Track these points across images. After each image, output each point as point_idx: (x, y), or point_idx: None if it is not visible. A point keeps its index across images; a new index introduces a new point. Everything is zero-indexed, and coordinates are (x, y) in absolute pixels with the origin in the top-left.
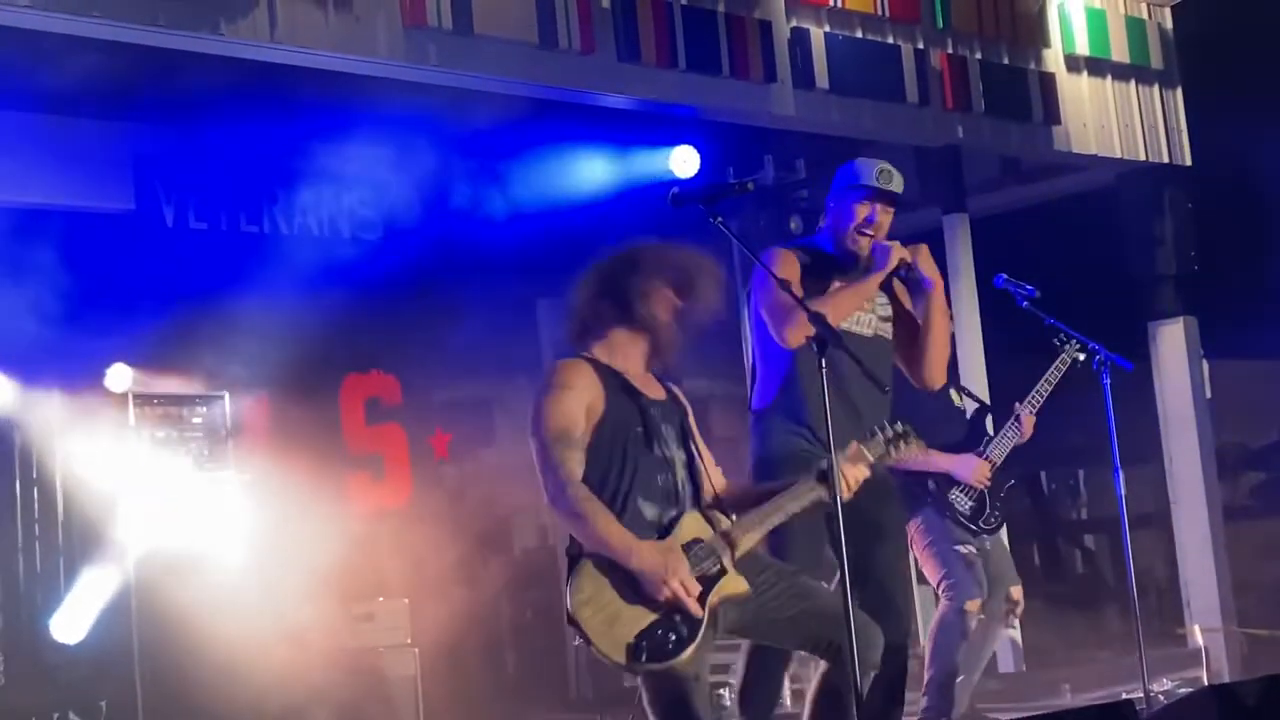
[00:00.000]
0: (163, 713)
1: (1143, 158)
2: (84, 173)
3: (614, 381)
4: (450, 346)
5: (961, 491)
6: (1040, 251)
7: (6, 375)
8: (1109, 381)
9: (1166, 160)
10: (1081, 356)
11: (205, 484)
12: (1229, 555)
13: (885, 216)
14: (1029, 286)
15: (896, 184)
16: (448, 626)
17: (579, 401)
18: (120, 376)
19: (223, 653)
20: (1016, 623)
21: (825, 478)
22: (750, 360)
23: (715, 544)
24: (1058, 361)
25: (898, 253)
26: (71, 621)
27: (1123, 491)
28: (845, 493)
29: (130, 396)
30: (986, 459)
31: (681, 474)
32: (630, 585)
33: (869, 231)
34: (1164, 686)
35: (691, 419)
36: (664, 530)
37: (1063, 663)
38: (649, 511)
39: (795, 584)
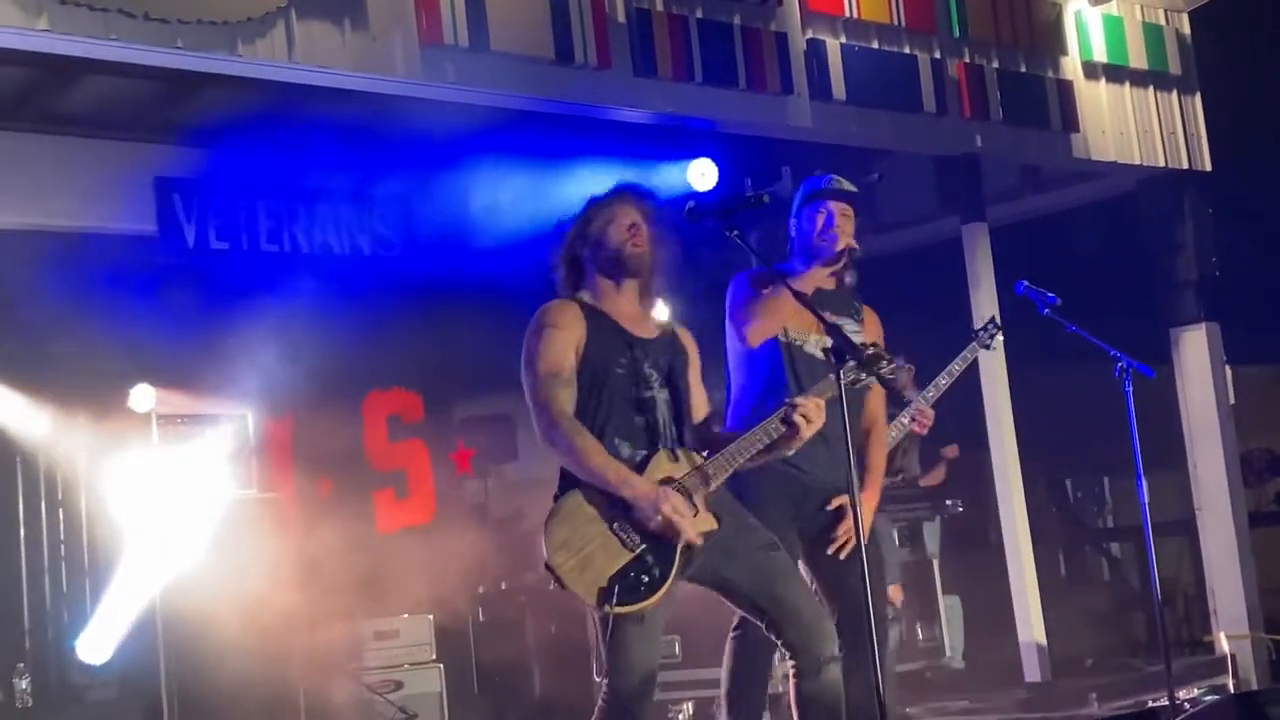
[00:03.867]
0: None
1: (1162, 164)
2: (105, 195)
3: (599, 321)
4: (471, 362)
5: None
6: (1061, 259)
7: (31, 397)
8: (1132, 389)
9: (1186, 166)
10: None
11: (229, 503)
12: (1255, 561)
13: (845, 219)
14: (1050, 294)
15: (848, 186)
16: (472, 643)
17: (567, 340)
18: (144, 397)
19: (249, 672)
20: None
21: (789, 415)
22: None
23: (687, 482)
24: (965, 351)
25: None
26: (98, 642)
27: (1146, 499)
28: (805, 428)
29: (154, 416)
30: None
31: (664, 414)
32: (606, 523)
33: (833, 232)
34: (1191, 694)
35: (692, 360)
36: (637, 469)
37: (1090, 672)
38: (624, 450)
39: (765, 555)
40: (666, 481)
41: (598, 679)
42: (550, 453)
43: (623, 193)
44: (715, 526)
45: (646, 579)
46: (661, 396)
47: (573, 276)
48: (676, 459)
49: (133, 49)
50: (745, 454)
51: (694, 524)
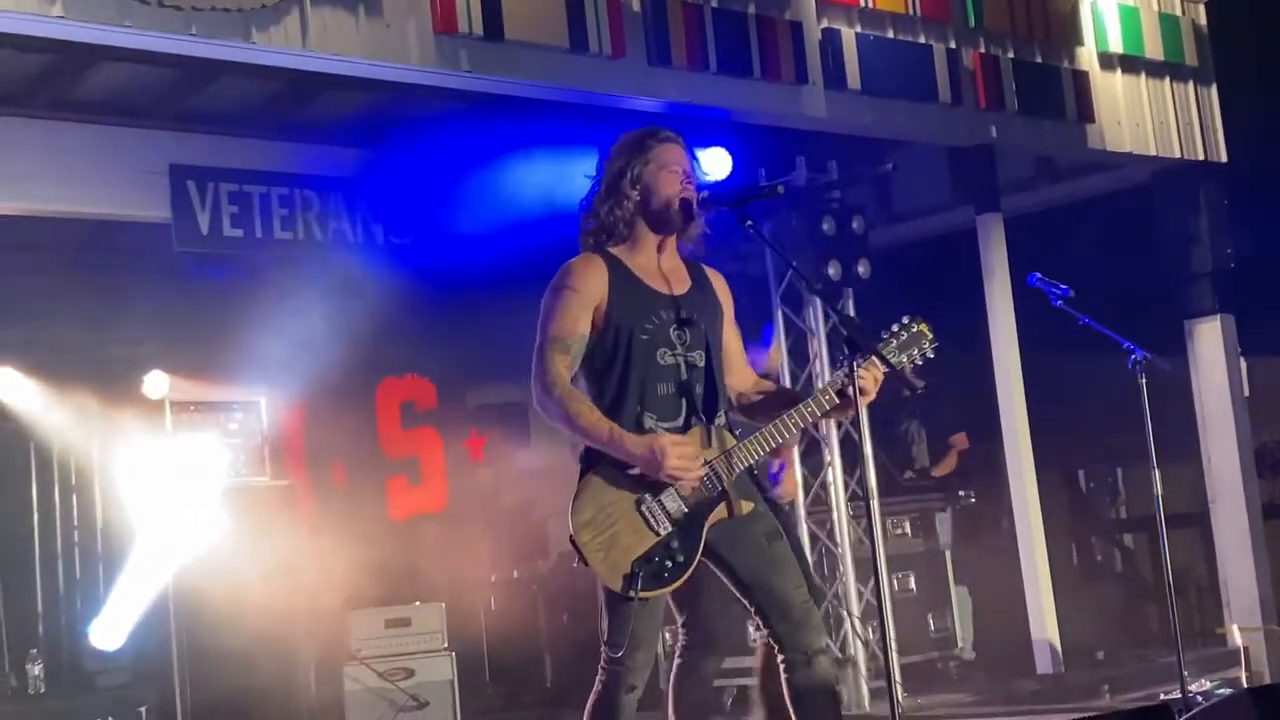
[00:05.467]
0: (202, 718)
1: (1178, 155)
2: (120, 181)
3: (625, 278)
4: (484, 350)
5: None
6: (1075, 250)
7: (45, 383)
8: (1146, 380)
9: (1202, 157)
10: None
11: (242, 490)
12: (1268, 554)
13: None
14: (1062, 285)
15: None
16: (484, 631)
17: (584, 304)
18: (157, 383)
19: (260, 658)
20: None
21: (844, 392)
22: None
23: (718, 465)
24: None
25: None
26: (111, 628)
27: (1159, 490)
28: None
29: (167, 403)
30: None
31: (694, 381)
32: (632, 504)
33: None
34: (1203, 687)
35: (727, 311)
36: None
37: (1101, 663)
38: (649, 422)
39: (766, 543)
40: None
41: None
42: (543, 417)
43: (669, 137)
44: (747, 510)
45: (670, 564)
46: (692, 361)
47: (604, 228)
48: (713, 435)
49: (147, 36)
50: (786, 433)
51: (718, 512)
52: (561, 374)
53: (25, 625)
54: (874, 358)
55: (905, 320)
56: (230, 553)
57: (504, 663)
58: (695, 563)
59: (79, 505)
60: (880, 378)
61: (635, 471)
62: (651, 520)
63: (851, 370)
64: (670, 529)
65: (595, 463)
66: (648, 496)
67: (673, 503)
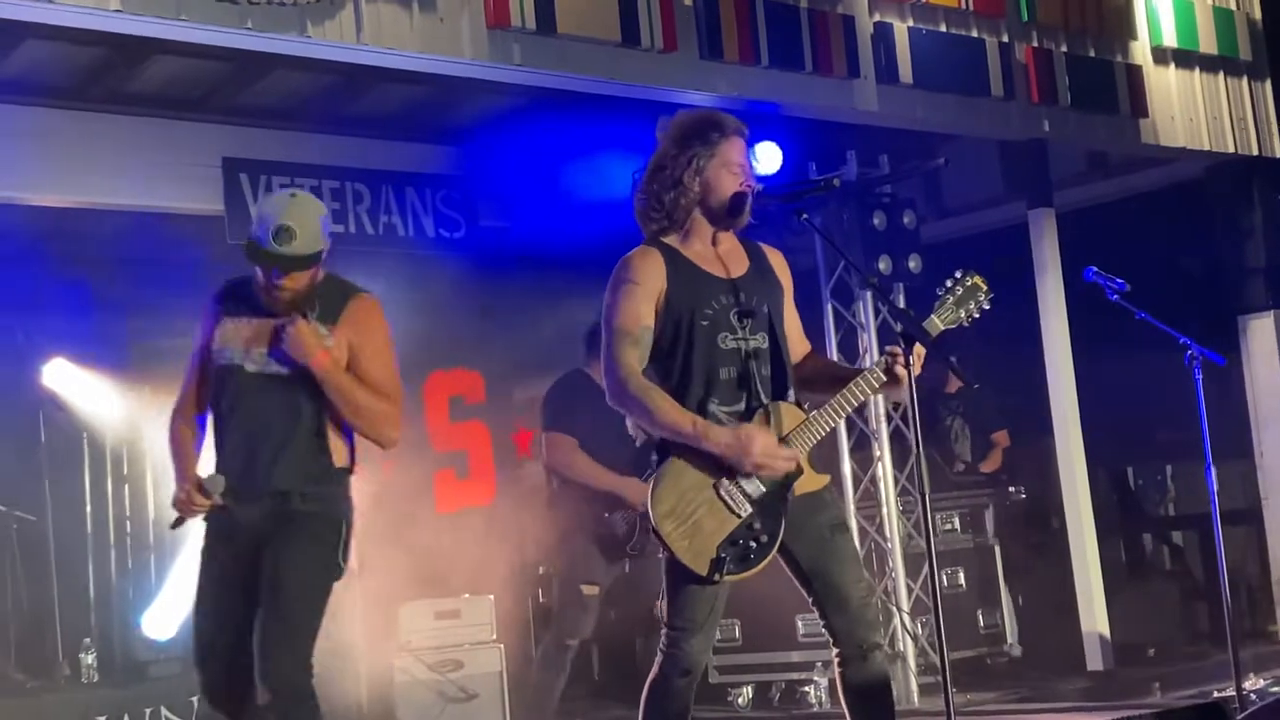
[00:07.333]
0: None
1: (1231, 150)
2: (174, 175)
3: (683, 268)
4: (533, 343)
5: (621, 517)
6: (1128, 246)
7: (97, 374)
8: (1200, 376)
9: (1256, 152)
10: None
11: None
12: None
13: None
14: (1119, 280)
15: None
16: (532, 623)
17: (646, 296)
18: None
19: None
20: None
21: (891, 371)
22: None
23: (793, 440)
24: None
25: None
26: (162, 618)
27: (1215, 487)
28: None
29: None
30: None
31: (757, 365)
32: (711, 488)
33: None
34: (1256, 685)
35: (787, 292)
36: None
37: (1152, 661)
38: (712, 406)
39: (830, 534)
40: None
41: (659, 619)
42: (623, 413)
43: (736, 130)
44: (823, 483)
45: (755, 544)
46: (755, 345)
47: (667, 216)
48: (770, 420)
49: (203, 30)
50: (843, 412)
51: (799, 486)
52: (635, 367)
53: (78, 615)
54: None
55: (959, 274)
56: None
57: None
58: (779, 541)
59: (131, 496)
60: (923, 354)
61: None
62: (732, 503)
63: (908, 359)
64: (751, 510)
65: (669, 450)
66: (725, 480)
67: (750, 484)
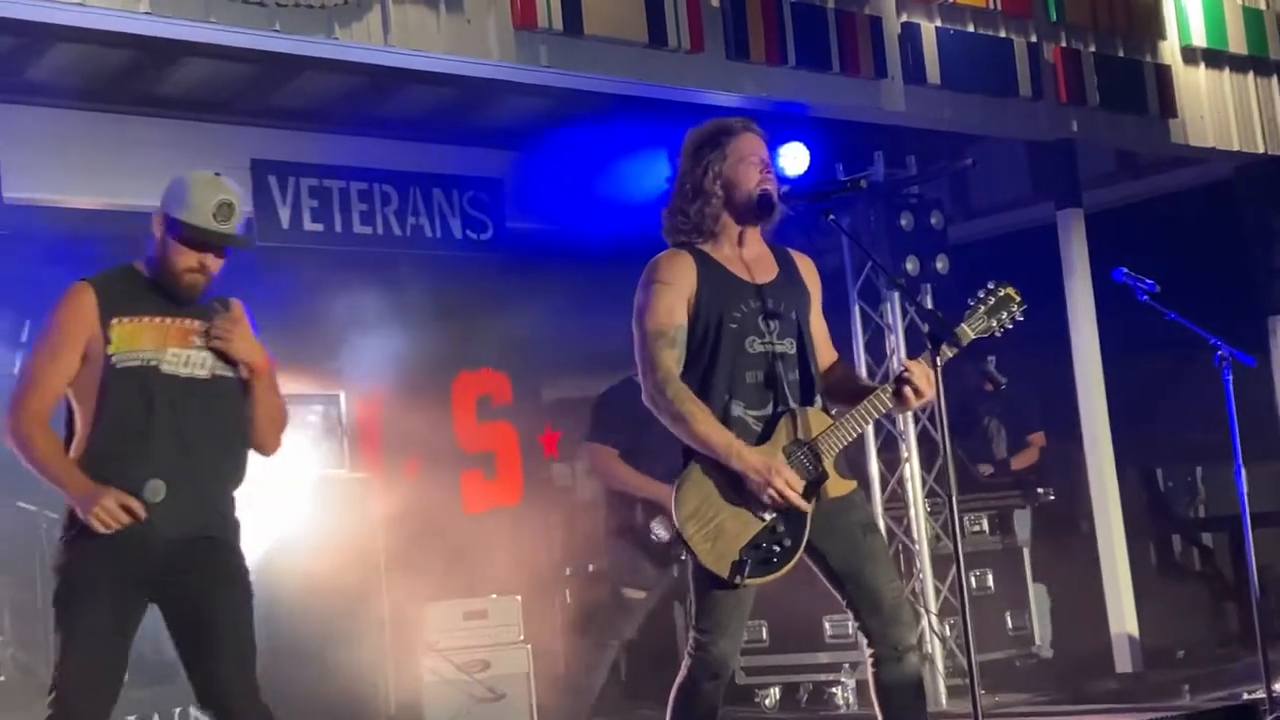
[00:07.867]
0: (283, 710)
1: (1261, 150)
2: None
3: (712, 270)
4: (560, 344)
5: (659, 524)
6: (1157, 246)
7: None
8: (1230, 377)
9: None
10: None
11: (320, 482)
12: None
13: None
14: (1148, 280)
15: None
16: (559, 623)
17: (678, 296)
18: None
19: (337, 650)
20: None
21: (900, 393)
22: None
23: (819, 444)
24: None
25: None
26: None
27: (1246, 489)
28: (914, 400)
29: None
30: None
31: (785, 369)
32: (735, 492)
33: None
34: None
35: (814, 296)
36: (762, 436)
37: (1182, 663)
38: (737, 409)
39: (862, 534)
40: (793, 445)
41: (689, 626)
42: (656, 415)
43: (745, 126)
44: (854, 487)
45: (778, 549)
46: (782, 349)
47: (695, 228)
48: (797, 425)
49: (231, 32)
50: (867, 421)
51: (823, 492)
52: (672, 369)
53: None
54: (966, 328)
55: (991, 285)
56: (307, 544)
57: (579, 654)
58: (803, 547)
59: None
60: (931, 376)
61: None
62: (755, 507)
63: (935, 359)
64: (775, 515)
65: (695, 452)
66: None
67: None
